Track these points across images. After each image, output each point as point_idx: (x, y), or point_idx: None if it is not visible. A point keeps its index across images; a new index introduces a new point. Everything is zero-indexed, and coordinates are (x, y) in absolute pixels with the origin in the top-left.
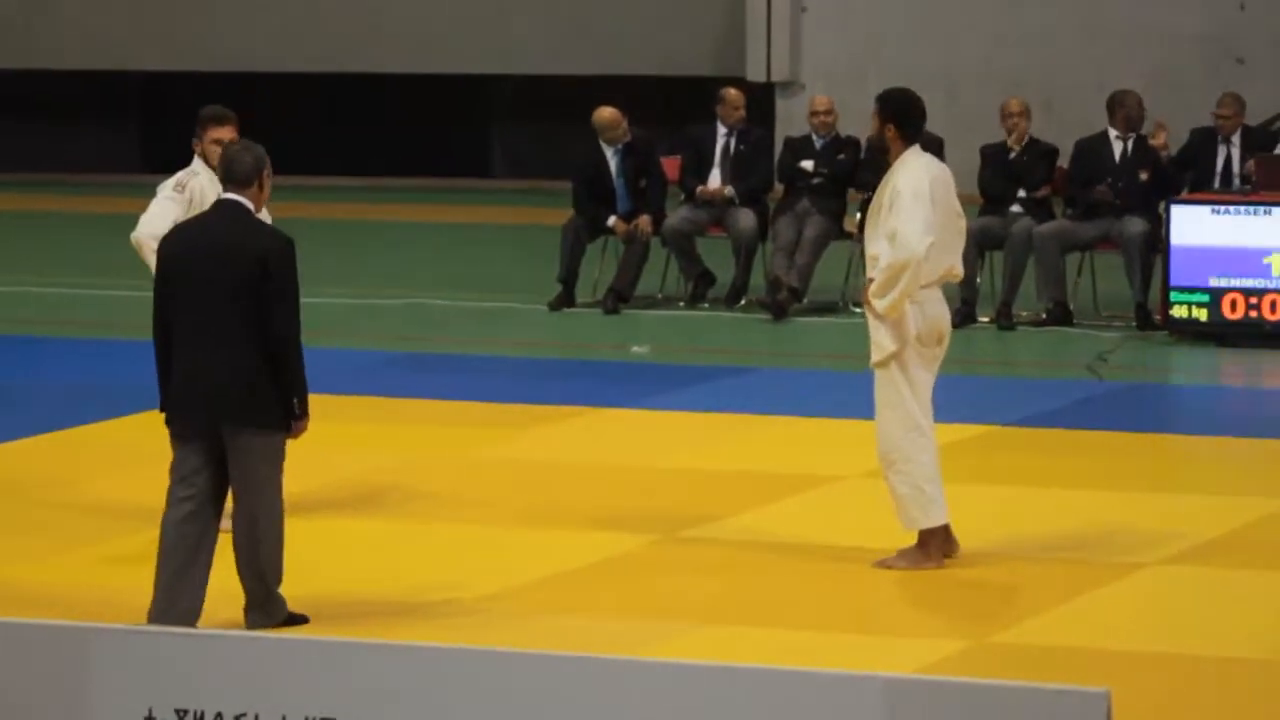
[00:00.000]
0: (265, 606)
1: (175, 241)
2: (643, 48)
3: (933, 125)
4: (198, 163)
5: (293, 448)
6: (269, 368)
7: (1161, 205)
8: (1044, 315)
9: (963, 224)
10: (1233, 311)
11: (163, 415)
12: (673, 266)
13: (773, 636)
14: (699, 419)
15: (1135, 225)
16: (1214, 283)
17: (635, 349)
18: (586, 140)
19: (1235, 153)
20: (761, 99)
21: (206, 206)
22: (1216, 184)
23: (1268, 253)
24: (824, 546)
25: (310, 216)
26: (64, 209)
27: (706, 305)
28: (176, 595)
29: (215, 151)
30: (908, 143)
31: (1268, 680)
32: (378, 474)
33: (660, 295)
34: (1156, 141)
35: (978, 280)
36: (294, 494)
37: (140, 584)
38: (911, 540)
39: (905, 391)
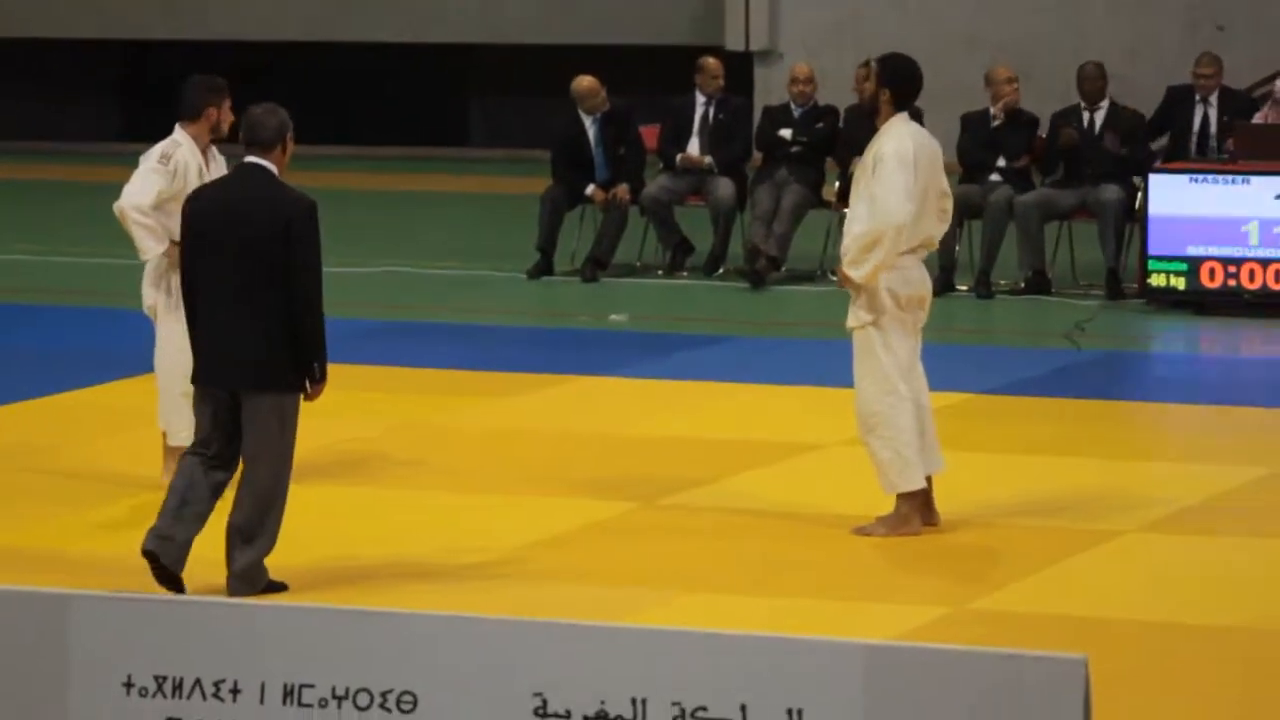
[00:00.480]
0: (248, 573)
1: (199, 203)
2: (622, 17)
3: None
4: (179, 133)
5: None
6: (287, 331)
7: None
8: (1022, 284)
9: (948, 204)
10: (1211, 280)
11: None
12: (651, 235)
13: (753, 603)
14: (678, 387)
15: (1110, 193)
16: (1192, 251)
17: (614, 317)
18: (565, 110)
19: (1213, 114)
20: (740, 68)
21: (190, 177)
22: (1194, 146)
23: (1246, 221)
24: (804, 514)
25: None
26: (46, 177)
27: (685, 274)
28: (176, 527)
29: (227, 118)
30: (898, 109)
31: (1245, 646)
32: (356, 442)
33: (639, 264)
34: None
35: (956, 249)
36: None
37: (126, 550)
38: (890, 507)
39: (884, 357)
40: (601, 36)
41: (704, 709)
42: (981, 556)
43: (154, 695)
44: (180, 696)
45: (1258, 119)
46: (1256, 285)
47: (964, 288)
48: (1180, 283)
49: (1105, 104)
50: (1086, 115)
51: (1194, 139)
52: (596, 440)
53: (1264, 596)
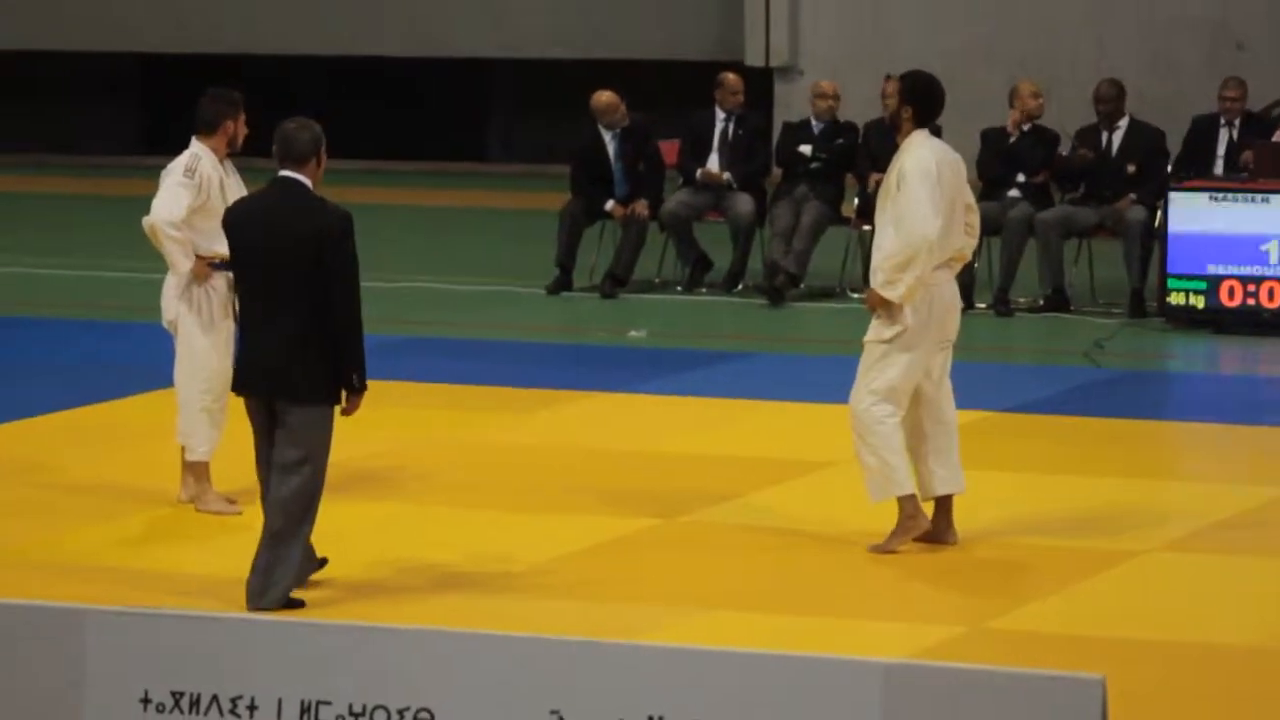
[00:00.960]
0: (266, 590)
1: (237, 216)
2: (642, 33)
3: None
4: (198, 145)
5: None
6: (323, 343)
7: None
8: (1041, 301)
9: (975, 218)
10: (1230, 299)
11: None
12: (670, 251)
13: (771, 621)
14: (696, 404)
15: (1135, 212)
16: (1212, 270)
17: (633, 333)
18: (585, 125)
19: (1237, 136)
20: (760, 84)
21: (213, 191)
22: (1220, 168)
23: (1266, 240)
24: (822, 531)
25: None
26: (62, 190)
27: (704, 290)
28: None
29: (237, 135)
30: (919, 126)
31: (1265, 667)
32: (375, 458)
33: (658, 280)
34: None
35: (975, 266)
36: None
37: (141, 565)
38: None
39: (890, 370)
40: (621, 52)
41: None
42: (1000, 575)
43: (171, 711)
44: (197, 713)
45: (1277, 137)
46: (1276, 304)
47: (983, 305)
48: (1199, 301)
49: (1125, 122)
50: (1105, 134)
51: (1219, 162)
52: (615, 456)
53: None
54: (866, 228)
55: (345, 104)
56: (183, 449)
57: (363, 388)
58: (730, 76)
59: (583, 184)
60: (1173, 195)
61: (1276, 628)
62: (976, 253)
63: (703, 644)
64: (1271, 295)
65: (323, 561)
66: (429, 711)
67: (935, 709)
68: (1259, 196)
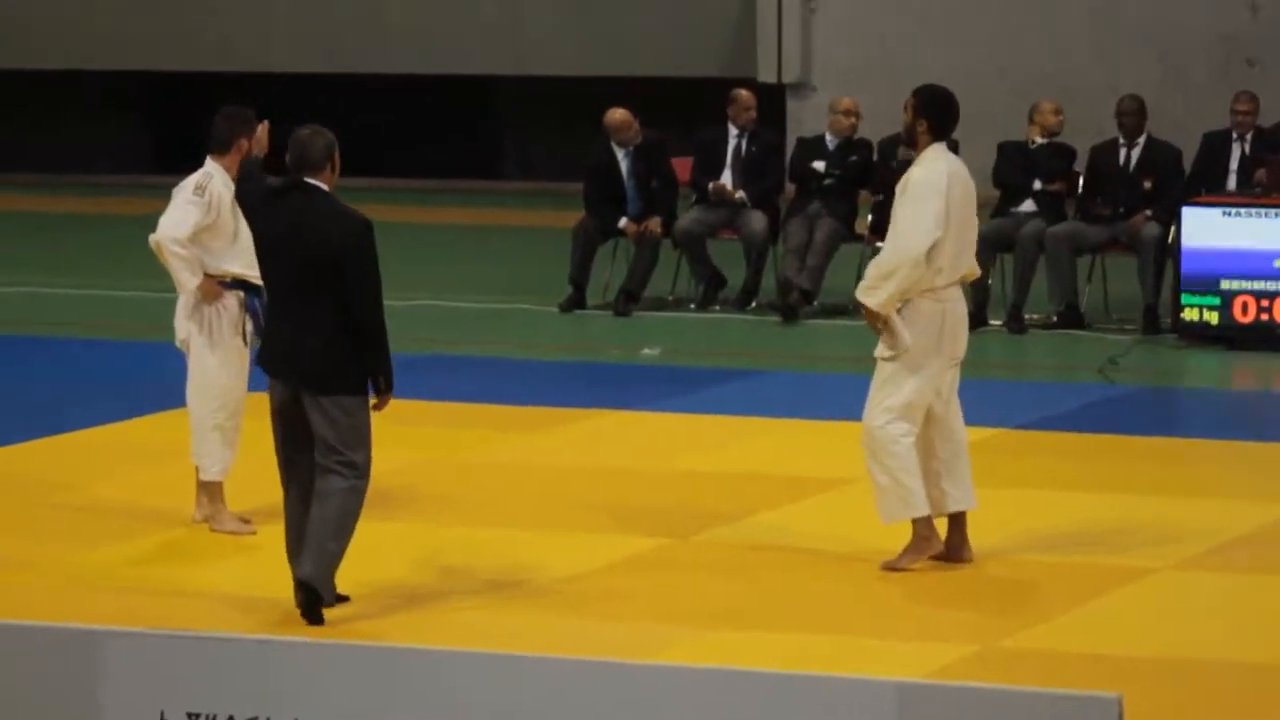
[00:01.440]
0: (316, 579)
1: (261, 218)
2: (655, 50)
3: None
4: (211, 164)
5: None
6: (348, 342)
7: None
8: (1054, 318)
9: (973, 235)
10: (1244, 314)
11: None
12: (684, 269)
13: (785, 640)
14: (710, 421)
15: (1150, 228)
16: (1225, 285)
17: (646, 351)
18: (598, 142)
19: (1249, 150)
20: (773, 101)
21: (224, 209)
22: (1233, 183)
23: (1278, 255)
24: (836, 550)
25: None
26: (73, 210)
27: (717, 307)
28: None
29: (264, 143)
30: (935, 139)
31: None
32: (387, 476)
33: (671, 297)
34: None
35: (989, 283)
36: None
37: (155, 585)
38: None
39: (903, 388)
40: (634, 69)
41: None
42: (1013, 593)
43: None
44: None
45: None
46: None
47: (997, 322)
48: (1213, 317)
49: (1143, 139)
50: (1124, 150)
51: (1232, 177)
52: (628, 475)
53: None
54: (880, 244)
55: (359, 121)
56: (196, 469)
57: (389, 388)
58: (743, 93)
59: (596, 201)
60: (1186, 211)
61: None
62: (989, 270)
63: (714, 663)
64: None
65: (344, 599)
66: None
67: None
68: (1272, 211)
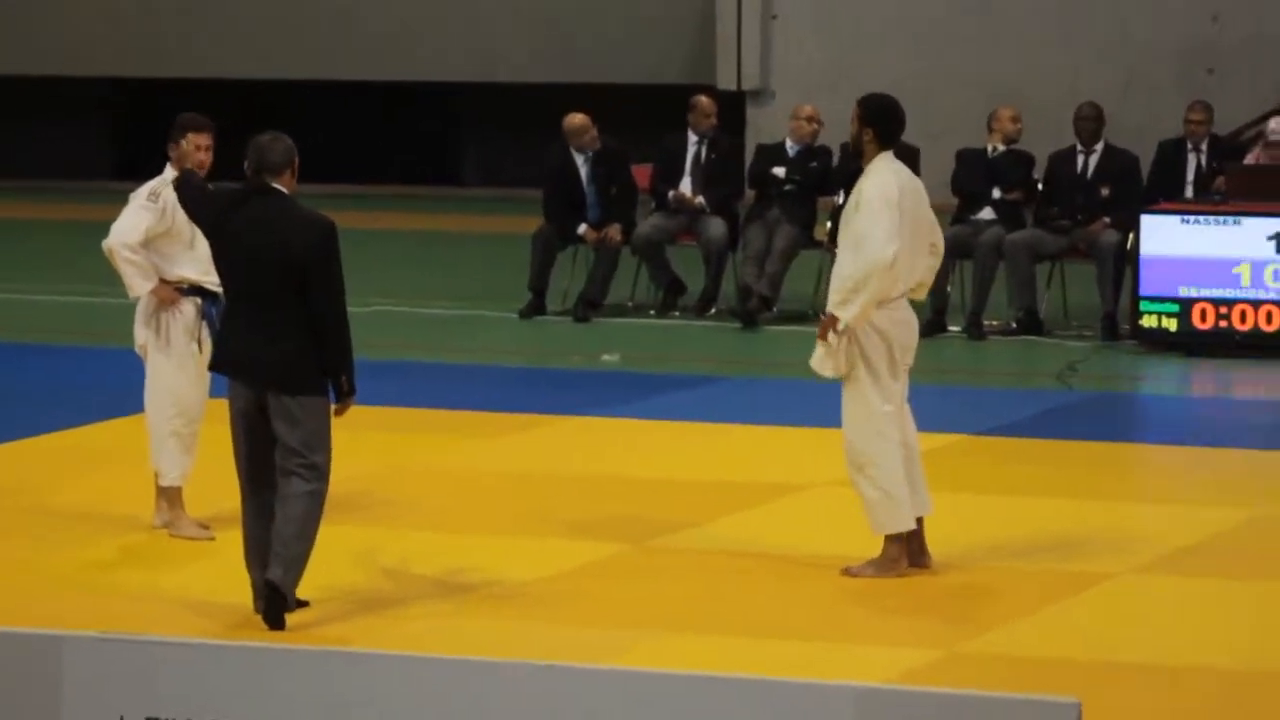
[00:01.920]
0: (279, 585)
1: (222, 221)
2: (615, 57)
3: (905, 133)
4: (170, 171)
5: None
6: (311, 344)
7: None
8: (1014, 325)
9: (939, 236)
10: (1202, 321)
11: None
12: (643, 275)
13: (743, 645)
14: (669, 427)
15: (1108, 236)
16: (1184, 293)
17: (605, 357)
18: (555, 145)
19: (1204, 160)
20: (733, 108)
21: (179, 215)
22: (1190, 192)
23: (1237, 263)
24: (794, 555)
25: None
26: (30, 215)
27: (677, 314)
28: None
29: (193, 155)
30: (882, 148)
31: (1238, 690)
32: (348, 481)
33: (631, 304)
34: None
35: (948, 289)
36: None
37: (114, 590)
38: (879, 548)
39: (873, 398)
40: (595, 76)
41: None
42: (972, 598)
43: None
44: None
45: (1249, 160)
46: (1248, 327)
47: (956, 329)
48: (1172, 324)
49: (1100, 146)
50: (1082, 157)
51: (1189, 187)
52: (586, 481)
53: (1255, 639)
54: (838, 253)
55: (319, 127)
56: (155, 474)
57: (352, 391)
58: (703, 100)
59: (555, 208)
60: (1145, 219)
61: (1247, 651)
62: (948, 276)
63: (673, 668)
64: (1244, 318)
65: (304, 604)
66: None
67: None
68: (1230, 219)
